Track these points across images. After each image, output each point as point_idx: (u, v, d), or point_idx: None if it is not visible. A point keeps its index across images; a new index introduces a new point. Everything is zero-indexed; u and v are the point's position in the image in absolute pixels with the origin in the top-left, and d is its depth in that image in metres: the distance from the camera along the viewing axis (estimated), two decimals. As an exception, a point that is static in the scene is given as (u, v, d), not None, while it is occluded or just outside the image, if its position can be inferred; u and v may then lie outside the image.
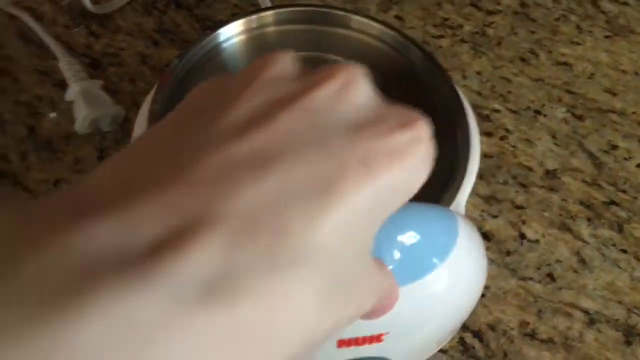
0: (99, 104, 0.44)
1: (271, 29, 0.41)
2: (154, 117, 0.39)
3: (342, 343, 0.29)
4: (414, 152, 0.18)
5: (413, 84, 0.40)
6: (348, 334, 0.28)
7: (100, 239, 0.14)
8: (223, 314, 0.14)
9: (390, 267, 0.24)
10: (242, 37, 0.40)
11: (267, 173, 0.16)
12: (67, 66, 0.46)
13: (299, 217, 0.15)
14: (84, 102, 0.44)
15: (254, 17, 0.40)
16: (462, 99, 0.38)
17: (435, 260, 0.27)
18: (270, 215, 0.15)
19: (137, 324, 0.13)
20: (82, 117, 0.44)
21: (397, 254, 0.25)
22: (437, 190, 0.34)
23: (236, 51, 0.40)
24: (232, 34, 0.40)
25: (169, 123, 0.18)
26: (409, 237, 0.25)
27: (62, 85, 0.47)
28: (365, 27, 0.41)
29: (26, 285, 0.13)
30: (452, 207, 0.34)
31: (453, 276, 0.29)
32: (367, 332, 0.28)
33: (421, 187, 0.18)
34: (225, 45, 0.40)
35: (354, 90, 0.18)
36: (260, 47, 0.40)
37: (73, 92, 0.45)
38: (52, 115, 0.46)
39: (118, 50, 0.49)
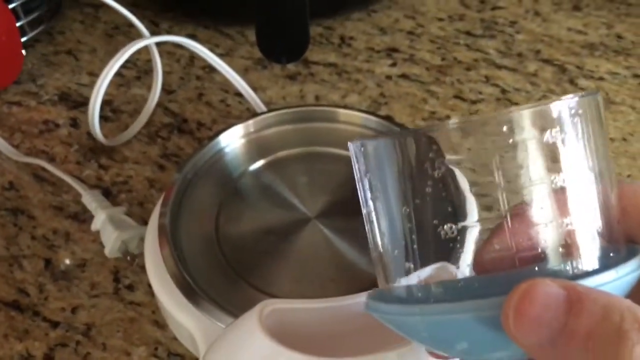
0: (126, 226, 0.46)
1: (267, 131, 0.43)
2: (164, 231, 0.40)
3: None
4: None
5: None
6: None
7: None
8: None
9: None
10: (241, 140, 0.43)
11: None
12: (90, 198, 0.48)
13: None
14: (112, 226, 0.45)
15: (250, 122, 0.43)
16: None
17: None
18: None
19: None
20: (114, 240, 0.45)
21: None
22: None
23: (237, 154, 0.42)
24: (230, 140, 0.43)
25: None
26: None
27: (75, 217, 0.49)
28: (351, 119, 0.43)
29: None
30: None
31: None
32: None
33: None
34: (226, 150, 0.42)
35: None
36: (259, 147, 0.43)
37: (100, 220, 0.46)
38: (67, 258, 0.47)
39: (127, 178, 0.52)
